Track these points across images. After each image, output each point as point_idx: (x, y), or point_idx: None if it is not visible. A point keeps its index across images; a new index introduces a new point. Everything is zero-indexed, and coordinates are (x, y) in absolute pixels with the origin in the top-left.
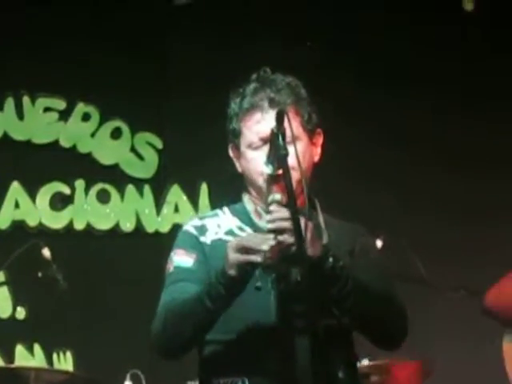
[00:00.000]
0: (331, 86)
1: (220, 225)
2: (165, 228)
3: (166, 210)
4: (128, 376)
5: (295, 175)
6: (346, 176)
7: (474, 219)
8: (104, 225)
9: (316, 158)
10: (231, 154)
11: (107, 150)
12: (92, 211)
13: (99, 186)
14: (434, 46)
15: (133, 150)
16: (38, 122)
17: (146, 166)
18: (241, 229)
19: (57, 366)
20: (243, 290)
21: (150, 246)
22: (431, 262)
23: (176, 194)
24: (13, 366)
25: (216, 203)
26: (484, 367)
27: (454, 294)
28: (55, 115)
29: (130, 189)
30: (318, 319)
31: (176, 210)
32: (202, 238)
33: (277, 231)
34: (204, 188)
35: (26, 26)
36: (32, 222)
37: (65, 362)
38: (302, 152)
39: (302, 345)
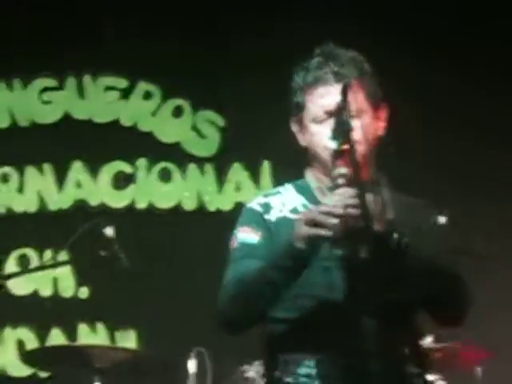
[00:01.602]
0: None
1: (284, 203)
2: (226, 206)
3: (228, 188)
4: (193, 354)
5: (361, 149)
6: (408, 154)
7: None
8: (166, 204)
9: (380, 132)
10: (294, 128)
11: (168, 129)
12: (154, 190)
13: (161, 164)
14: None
15: (194, 128)
16: (99, 100)
17: (208, 145)
18: (305, 206)
19: (120, 344)
20: (310, 264)
21: (212, 224)
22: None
23: (238, 173)
24: (76, 344)
25: (278, 181)
26: None
27: None
28: (116, 94)
29: (192, 167)
30: (385, 297)
31: (238, 188)
32: (267, 216)
33: (344, 206)
34: (266, 166)
35: (88, 5)
36: (94, 202)
37: (128, 340)
38: (366, 126)
39: (369, 323)
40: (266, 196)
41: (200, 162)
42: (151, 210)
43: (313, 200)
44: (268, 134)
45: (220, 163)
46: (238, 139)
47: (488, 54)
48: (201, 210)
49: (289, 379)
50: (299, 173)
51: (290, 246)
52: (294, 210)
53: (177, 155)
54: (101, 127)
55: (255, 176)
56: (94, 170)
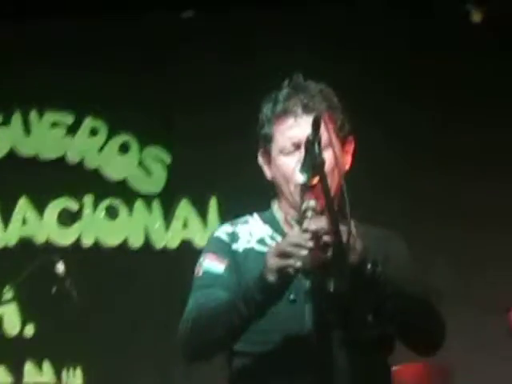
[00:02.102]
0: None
1: (251, 233)
2: (173, 244)
3: (175, 225)
4: None
5: (330, 182)
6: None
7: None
8: (113, 240)
9: (347, 166)
10: (261, 160)
11: (115, 165)
12: (100, 227)
13: (107, 201)
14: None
15: (141, 164)
16: (46, 137)
17: (155, 181)
18: (272, 238)
19: (65, 382)
20: (280, 298)
21: (159, 261)
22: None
23: (185, 209)
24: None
25: (225, 217)
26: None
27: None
28: (63, 130)
29: (139, 204)
30: (356, 330)
31: (185, 225)
32: (234, 246)
33: (315, 234)
34: (213, 202)
35: (32, 40)
36: (40, 239)
37: (74, 377)
38: (335, 159)
39: (338, 358)
40: (232, 225)
41: (147, 198)
42: (98, 247)
43: (280, 232)
44: (215, 170)
45: (167, 200)
46: (184, 176)
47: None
48: (148, 247)
49: None
50: (247, 208)
51: (260, 279)
52: (262, 241)
53: (124, 192)
54: (47, 164)
55: (203, 213)
56: (40, 207)
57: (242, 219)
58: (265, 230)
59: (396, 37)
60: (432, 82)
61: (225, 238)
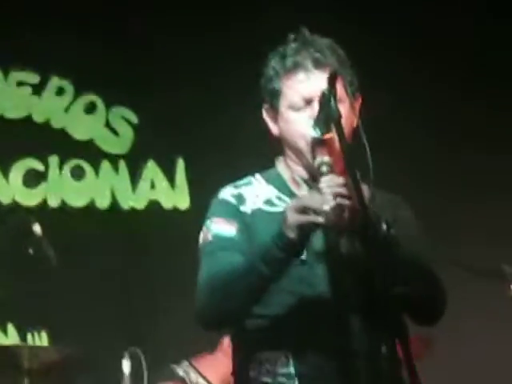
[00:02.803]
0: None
1: (257, 194)
2: (140, 205)
3: (142, 186)
4: (126, 354)
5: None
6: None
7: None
8: (79, 201)
9: (355, 124)
10: (266, 115)
11: (81, 125)
12: (66, 188)
13: (73, 162)
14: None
15: (107, 125)
16: (11, 96)
17: (122, 142)
18: (279, 198)
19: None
20: (301, 254)
21: (126, 222)
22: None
23: (152, 170)
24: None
25: (193, 179)
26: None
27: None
28: (28, 89)
29: (105, 165)
30: (370, 291)
31: (152, 186)
32: (242, 208)
33: (334, 194)
34: (180, 163)
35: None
36: (5, 200)
37: (40, 342)
38: (345, 116)
39: (349, 319)
40: (237, 187)
41: (114, 159)
42: (64, 208)
43: (287, 192)
44: (183, 131)
45: (134, 161)
46: (152, 136)
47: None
48: (114, 208)
49: (266, 379)
50: (215, 170)
51: (279, 236)
52: (269, 202)
53: (90, 152)
54: (12, 123)
55: (170, 173)
56: (4, 168)
57: (245, 181)
58: (270, 191)
59: None
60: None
61: (231, 199)
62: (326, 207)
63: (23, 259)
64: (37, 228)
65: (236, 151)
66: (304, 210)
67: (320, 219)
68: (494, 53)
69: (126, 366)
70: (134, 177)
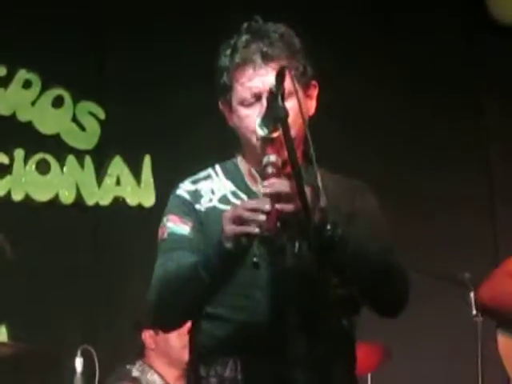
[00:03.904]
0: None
1: (213, 190)
2: (105, 201)
3: (107, 182)
4: (79, 351)
5: (293, 132)
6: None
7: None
8: (43, 196)
9: (311, 112)
10: (221, 108)
11: (48, 119)
12: (31, 182)
13: (39, 155)
14: None
15: (74, 119)
16: None
17: (88, 137)
18: (235, 194)
19: None
20: (241, 263)
21: (90, 218)
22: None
23: (118, 166)
24: None
25: (159, 176)
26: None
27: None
28: None
29: (71, 159)
30: (316, 294)
31: (118, 182)
32: (197, 206)
33: (274, 197)
34: (147, 160)
35: None
36: None
37: None
38: (299, 108)
39: (302, 321)
40: (194, 182)
41: (79, 154)
42: (28, 201)
43: (243, 187)
44: (150, 127)
45: (100, 156)
46: (118, 132)
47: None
48: (79, 203)
49: (214, 380)
50: (181, 167)
51: (218, 245)
52: (223, 199)
53: (56, 146)
54: None
55: (136, 170)
56: None
57: (204, 173)
58: (227, 186)
59: None
60: None
61: (187, 197)
62: (262, 217)
63: None
64: None
65: (203, 149)
66: (239, 220)
67: (256, 229)
68: None
69: (79, 363)
70: (100, 172)
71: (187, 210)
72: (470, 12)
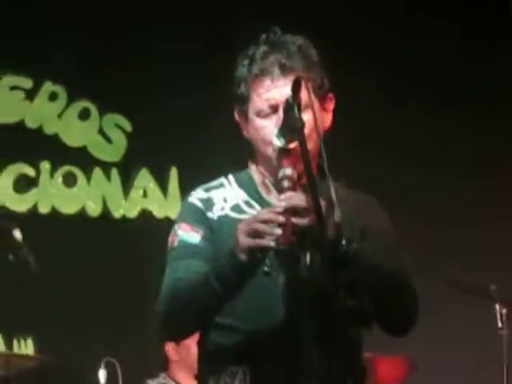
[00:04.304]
0: None
1: (226, 198)
2: (132, 213)
3: (134, 194)
4: (103, 363)
5: (309, 145)
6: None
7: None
8: (70, 209)
9: (327, 125)
10: (237, 118)
11: (74, 132)
12: (57, 194)
13: (65, 168)
14: None
15: (101, 131)
16: (4, 100)
17: (114, 149)
18: (248, 204)
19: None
20: (253, 274)
21: (117, 231)
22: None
23: (144, 179)
24: None
25: (185, 188)
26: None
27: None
28: (21, 94)
29: (97, 172)
30: (328, 307)
31: (144, 194)
32: (209, 214)
33: (290, 211)
34: (174, 172)
35: None
36: None
37: (25, 348)
38: (314, 121)
39: (310, 336)
40: (207, 190)
41: (106, 166)
42: (54, 214)
43: (257, 196)
44: (176, 139)
45: (126, 169)
46: (145, 144)
47: None
48: (105, 216)
49: None
50: (207, 178)
51: (231, 256)
52: (236, 208)
53: (82, 159)
54: (4, 128)
55: (162, 182)
56: None
57: (217, 182)
58: (240, 195)
59: None
60: None
61: (199, 204)
62: (278, 230)
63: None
64: (17, 234)
65: (229, 159)
66: (254, 234)
67: (271, 243)
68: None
69: (102, 376)
70: (126, 185)
71: (199, 217)
72: (495, 18)
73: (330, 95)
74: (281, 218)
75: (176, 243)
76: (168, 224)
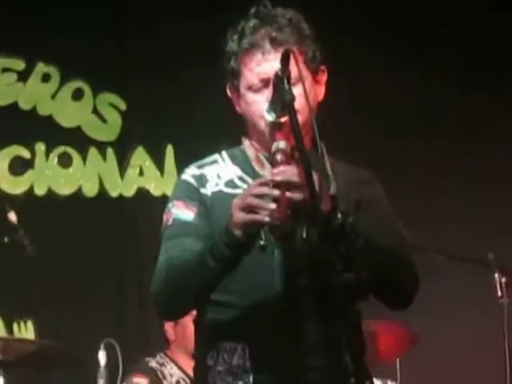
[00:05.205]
0: None
1: (220, 174)
2: (129, 192)
3: (130, 173)
4: (102, 345)
5: (301, 119)
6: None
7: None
8: (66, 189)
9: (320, 97)
10: (229, 93)
11: (68, 112)
12: (53, 175)
13: (60, 149)
14: None
15: (95, 111)
16: None
17: (109, 128)
18: (242, 179)
19: (17, 335)
20: (249, 250)
21: (114, 210)
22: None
23: (140, 157)
24: None
25: (182, 165)
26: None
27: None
28: (14, 76)
29: (93, 152)
30: (327, 281)
31: (141, 173)
32: (203, 190)
33: (284, 186)
34: (170, 150)
35: None
36: None
37: (26, 331)
38: (305, 94)
39: (308, 306)
40: (199, 167)
41: (101, 146)
42: (51, 195)
43: (250, 171)
44: (171, 117)
45: (122, 148)
46: (140, 123)
47: None
48: (102, 195)
49: (221, 368)
50: (204, 155)
51: (226, 233)
52: (230, 183)
53: (77, 139)
54: None
55: (158, 160)
56: None
57: (211, 159)
58: (234, 171)
59: None
60: None
61: (192, 181)
62: (272, 205)
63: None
64: (12, 216)
65: (225, 136)
66: (249, 209)
67: (266, 218)
68: None
69: (102, 357)
70: (122, 164)
71: (192, 194)
72: None
73: (323, 67)
74: (275, 192)
75: (170, 221)
76: (165, 202)
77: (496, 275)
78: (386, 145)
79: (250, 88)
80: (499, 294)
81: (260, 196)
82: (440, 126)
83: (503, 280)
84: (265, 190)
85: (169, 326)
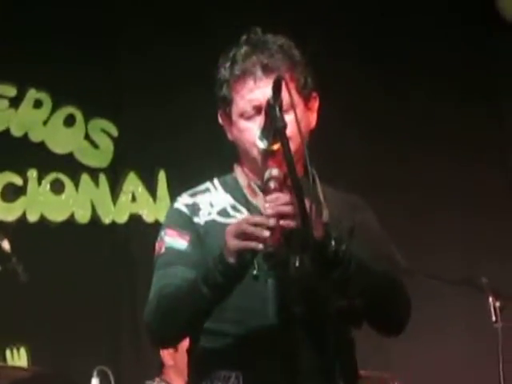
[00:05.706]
0: None
1: (212, 203)
2: (122, 218)
3: (123, 199)
4: (95, 372)
5: (293, 146)
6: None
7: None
8: (58, 216)
9: (312, 124)
10: (221, 121)
11: (60, 138)
12: (46, 202)
13: (53, 175)
14: None
15: (87, 137)
16: None
17: (101, 154)
18: (234, 208)
19: (10, 362)
20: (242, 278)
21: (107, 237)
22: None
23: (133, 183)
24: None
25: (174, 191)
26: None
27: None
28: (5, 102)
29: (85, 178)
30: (319, 309)
31: (133, 199)
32: (196, 219)
33: (277, 215)
34: (162, 176)
35: None
36: None
37: (19, 358)
38: (298, 120)
39: (301, 339)
40: (192, 195)
41: (94, 172)
42: (43, 222)
43: (243, 200)
44: (163, 142)
45: (114, 174)
46: (132, 149)
47: None
48: (95, 222)
49: None
50: (196, 180)
51: (220, 260)
52: (223, 212)
53: (69, 165)
54: None
55: (151, 186)
56: None
57: (202, 187)
58: (226, 200)
59: None
60: None
61: (185, 210)
62: (266, 233)
63: None
64: (5, 244)
65: (218, 162)
66: (243, 236)
67: (259, 246)
68: None
69: None
70: (115, 190)
71: (185, 223)
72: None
73: (315, 94)
74: (270, 222)
75: (163, 250)
76: (158, 228)
77: (490, 299)
78: (377, 168)
79: (242, 115)
80: (493, 318)
81: (255, 224)
82: (430, 150)
83: (497, 304)
84: (259, 219)
85: (166, 352)
